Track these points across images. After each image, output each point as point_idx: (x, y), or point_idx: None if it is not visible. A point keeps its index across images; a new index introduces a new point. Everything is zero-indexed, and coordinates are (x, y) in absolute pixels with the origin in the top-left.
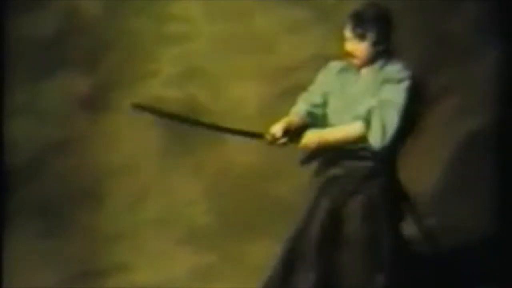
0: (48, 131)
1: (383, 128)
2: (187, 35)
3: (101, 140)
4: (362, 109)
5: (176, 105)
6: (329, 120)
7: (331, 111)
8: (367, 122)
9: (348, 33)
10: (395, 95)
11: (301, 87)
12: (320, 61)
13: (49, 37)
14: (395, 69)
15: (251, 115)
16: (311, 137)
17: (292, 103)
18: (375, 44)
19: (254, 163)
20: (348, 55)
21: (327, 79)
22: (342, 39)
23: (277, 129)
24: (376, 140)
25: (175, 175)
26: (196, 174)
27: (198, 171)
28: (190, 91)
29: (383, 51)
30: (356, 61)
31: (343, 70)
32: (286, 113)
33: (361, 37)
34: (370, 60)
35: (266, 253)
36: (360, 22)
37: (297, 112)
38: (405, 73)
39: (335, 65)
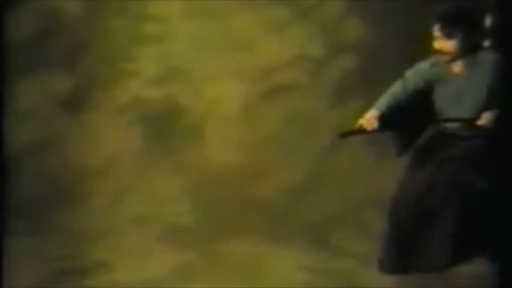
0: (29, 130)
1: None
2: (166, 35)
3: (82, 140)
4: (470, 101)
5: (156, 105)
6: (437, 107)
7: (439, 103)
8: None
9: (437, 32)
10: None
11: (282, 87)
12: (301, 61)
13: (29, 38)
14: (495, 58)
15: (231, 115)
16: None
17: (273, 102)
18: (463, 41)
19: (234, 163)
20: (437, 52)
21: (423, 71)
22: (322, 38)
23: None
24: None
25: (156, 174)
26: (176, 174)
27: (178, 170)
28: (170, 91)
29: (470, 46)
30: (445, 57)
31: (434, 64)
32: (266, 112)
33: (449, 35)
34: (459, 55)
35: (246, 251)
36: (447, 22)
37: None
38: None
39: (423, 63)
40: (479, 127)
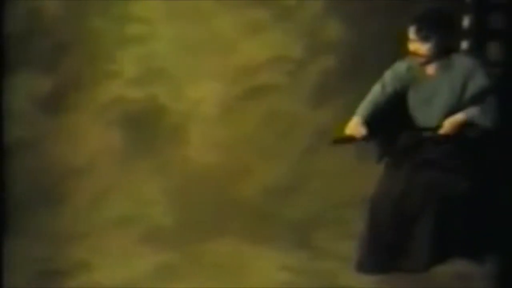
0: (10, 131)
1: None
2: (148, 35)
3: (63, 140)
4: (440, 104)
5: (138, 105)
6: (410, 110)
7: (412, 105)
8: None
9: (412, 35)
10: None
11: (263, 87)
12: (281, 61)
13: (10, 37)
14: (468, 61)
15: (212, 115)
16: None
17: (254, 103)
18: (438, 44)
19: (216, 163)
20: (411, 54)
21: (400, 76)
22: (302, 39)
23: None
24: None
25: (137, 174)
26: (158, 174)
27: (160, 170)
28: (151, 92)
29: (445, 49)
30: (419, 60)
31: (409, 68)
32: (247, 112)
33: (425, 38)
34: (433, 58)
35: (227, 252)
36: (423, 25)
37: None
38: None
39: (400, 64)
40: (443, 136)
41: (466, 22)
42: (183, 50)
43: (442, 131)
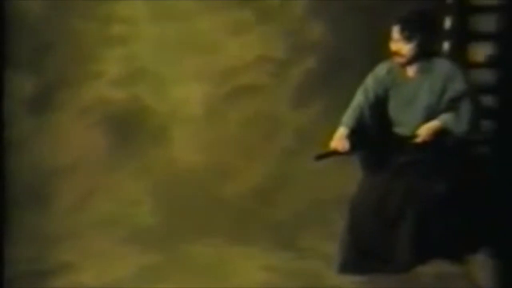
0: None
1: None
2: (131, 36)
3: (46, 141)
4: (422, 104)
5: (121, 106)
6: (391, 115)
7: (392, 107)
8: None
9: (396, 34)
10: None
11: (245, 88)
12: (264, 62)
13: None
14: (448, 65)
15: (195, 116)
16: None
17: (237, 103)
18: (420, 45)
19: (201, 164)
20: (393, 54)
21: (381, 80)
22: (285, 39)
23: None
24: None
25: (121, 175)
26: (142, 174)
27: (144, 171)
28: (135, 92)
29: (426, 51)
30: (400, 60)
31: (390, 70)
32: (230, 113)
33: (408, 39)
34: (414, 59)
35: (211, 252)
36: (408, 25)
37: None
38: (456, 66)
39: (381, 67)
40: (420, 143)
41: (447, 23)
42: (166, 51)
43: (419, 139)
